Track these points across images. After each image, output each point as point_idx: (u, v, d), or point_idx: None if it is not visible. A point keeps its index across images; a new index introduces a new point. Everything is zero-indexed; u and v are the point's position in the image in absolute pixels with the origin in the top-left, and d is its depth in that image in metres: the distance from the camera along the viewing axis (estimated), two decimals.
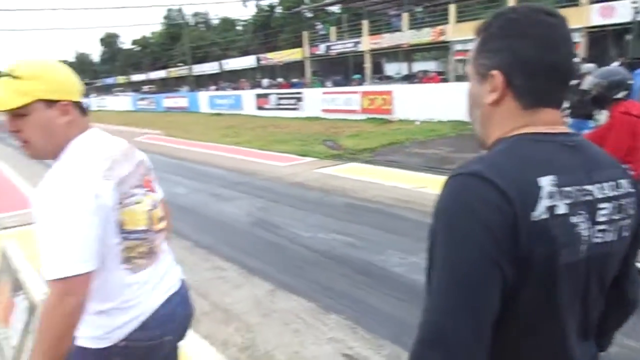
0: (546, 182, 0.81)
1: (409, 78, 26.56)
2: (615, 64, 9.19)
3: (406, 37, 25.24)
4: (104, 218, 1.33)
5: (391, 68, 31.33)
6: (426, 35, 24.28)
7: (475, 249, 0.77)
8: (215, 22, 75.54)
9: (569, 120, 6.52)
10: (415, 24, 25.74)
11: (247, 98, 25.33)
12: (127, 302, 1.46)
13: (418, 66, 31.37)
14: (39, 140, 1.34)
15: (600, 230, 0.86)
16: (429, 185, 7.20)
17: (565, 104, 5.68)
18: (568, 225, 0.82)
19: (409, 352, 0.82)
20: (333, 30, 31.30)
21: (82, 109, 1.43)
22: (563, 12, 0.89)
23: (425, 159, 9.78)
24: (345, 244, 5.13)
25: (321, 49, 30.61)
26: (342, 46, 29.17)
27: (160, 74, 54.15)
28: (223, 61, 43.36)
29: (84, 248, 1.27)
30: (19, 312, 2.72)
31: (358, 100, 18.52)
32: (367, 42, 27.20)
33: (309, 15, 37.92)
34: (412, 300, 3.71)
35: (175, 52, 62.86)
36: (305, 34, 31.76)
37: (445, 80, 21.62)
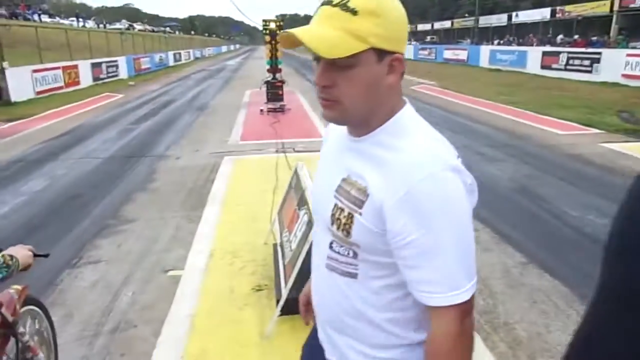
0: None
1: None
2: None
3: None
4: None
5: None
6: None
7: None
8: None
9: None
10: None
11: (533, 55, 23.24)
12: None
13: None
14: (357, 102, 0.95)
15: None
16: None
17: None
18: None
19: None
20: None
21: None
22: None
23: None
24: None
25: (637, 2, 25.56)
26: None
27: (445, 24, 53.84)
28: (513, 13, 40.33)
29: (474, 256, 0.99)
30: (301, 223, 3.25)
31: None
32: None
33: None
34: None
35: (463, 2, 61.28)
36: None
37: None
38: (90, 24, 56.49)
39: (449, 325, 0.94)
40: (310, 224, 3.01)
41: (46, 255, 1.90)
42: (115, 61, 24.71)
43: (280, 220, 3.99)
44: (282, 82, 12.09)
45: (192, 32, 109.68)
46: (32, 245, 1.87)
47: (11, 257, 1.59)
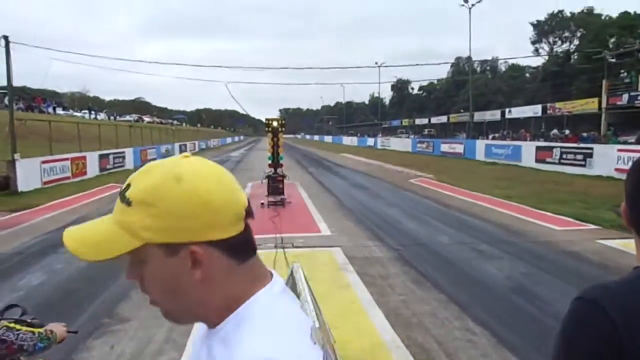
0: None
1: None
2: None
3: None
4: None
5: None
6: None
7: None
8: (503, 69, 74.35)
9: None
10: None
11: (527, 149, 23.98)
12: None
13: None
14: (165, 301, 0.79)
15: None
16: None
17: None
18: None
19: None
20: None
21: (245, 248, 0.79)
22: None
23: None
24: None
25: (623, 99, 26.85)
26: None
27: (442, 119, 56.06)
28: (506, 109, 42.14)
29: None
30: None
31: None
32: None
33: (612, 61, 33.79)
34: None
35: (459, 99, 64.24)
36: (605, 83, 28.39)
37: None
38: (101, 116, 58.93)
39: None
40: None
41: (76, 332, 2.11)
42: (123, 152, 25.52)
43: None
44: (283, 176, 12.43)
45: (199, 125, 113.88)
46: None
47: (51, 331, 1.80)
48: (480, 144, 29.73)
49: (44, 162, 16.73)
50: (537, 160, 22.50)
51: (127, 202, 0.75)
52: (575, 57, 50.57)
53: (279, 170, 12.45)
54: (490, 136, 37.31)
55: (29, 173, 15.41)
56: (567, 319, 0.98)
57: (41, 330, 1.77)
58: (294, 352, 0.74)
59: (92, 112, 57.16)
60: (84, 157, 20.34)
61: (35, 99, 47.97)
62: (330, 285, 5.92)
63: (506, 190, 14.60)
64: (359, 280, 6.15)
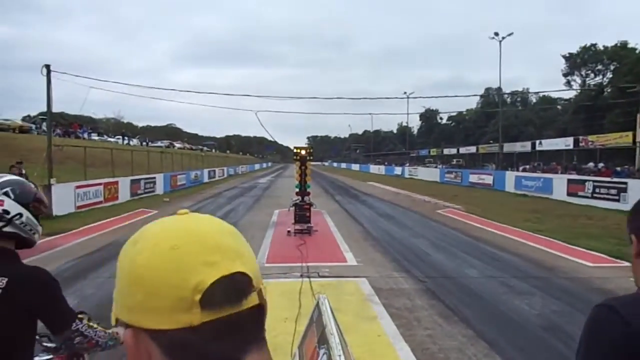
0: None
1: None
2: None
3: None
4: None
5: None
6: None
7: None
8: (533, 100, 73.69)
9: None
10: None
11: (558, 182, 23.49)
12: None
13: None
14: None
15: None
16: None
17: None
18: None
19: None
20: None
21: (192, 353, 0.57)
22: None
23: None
24: None
25: None
26: None
27: (471, 149, 55.53)
28: (536, 141, 41.55)
29: None
30: None
31: None
32: None
33: None
34: None
35: (488, 129, 63.71)
36: (639, 117, 27.79)
37: None
38: (134, 141, 60.56)
39: None
40: None
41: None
42: (154, 178, 26.11)
43: (300, 355, 3.97)
44: (310, 204, 12.49)
45: (228, 151, 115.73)
46: None
47: (117, 333, 1.89)
48: (510, 176, 29.27)
49: (78, 187, 17.25)
50: (568, 194, 21.99)
51: None
52: (609, 90, 49.77)
53: (306, 198, 12.54)
54: (521, 168, 36.71)
55: (63, 198, 15.89)
56: (587, 322, 1.16)
57: (110, 330, 1.93)
58: None
59: (126, 137, 58.87)
60: (116, 183, 20.88)
61: (72, 125, 49.77)
62: (356, 316, 5.88)
63: (536, 223, 14.30)
64: (385, 312, 6.08)
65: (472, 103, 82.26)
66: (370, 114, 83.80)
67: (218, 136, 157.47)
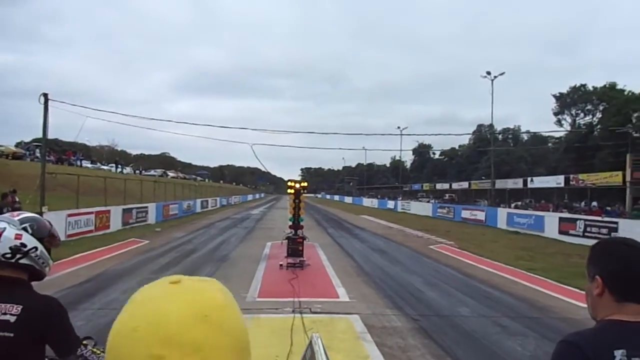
0: (619, 354, 1.27)
1: None
2: None
3: None
4: None
5: None
6: None
7: None
8: (525, 137, 74.78)
9: None
10: None
11: (550, 220, 23.63)
12: None
13: None
14: None
15: None
16: None
17: None
18: None
19: None
20: None
21: None
22: None
23: None
24: None
25: None
26: None
27: (463, 184, 55.91)
28: (528, 178, 41.96)
29: None
30: None
31: None
32: None
33: (636, 135, 33.76)
34: None
35: (480, 165, 64.35)
36: (629, 157, 28.25)
37: None
38: (127, 170, 60.50)
39: None
40: None
41: None
42: (146, 207, 25.98)
43: None
44: (303, 238, 12.46)
45: (221, 181, 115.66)
46: None
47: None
48: (502, 212, 29.42)
49: (69, 215, 17.12)
50: (560, 232, 22.10)
51: None
52: (598, 129, 50.72)
53: (299, 232, 12.51)
54: (513, 204, 36.93)
55: (55, 226, 15.67)
56: (553, 356, 1.36)
57: None
58: None
59: (119, 165, 58.80)
60: (108, 211, 20.75)
61: (66, 153, 49.73)
62: (348, 355, 5.81)
63: (529, 261, 14.31)
64: (378, 351, 6.02)
65: (465, 139, 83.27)
66: (364, 148, 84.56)
67: (212, 166, 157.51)
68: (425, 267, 13.41)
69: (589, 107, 58.21)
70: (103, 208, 20.57)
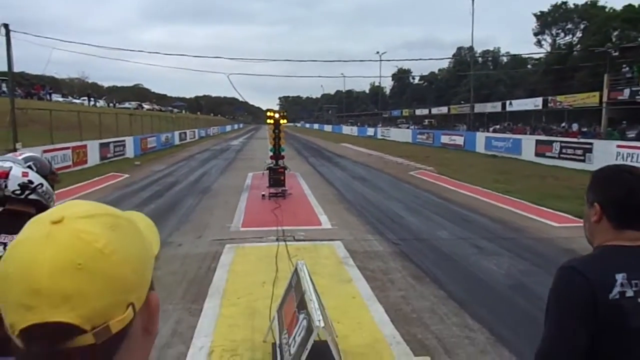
0: (620, 277, 1.32)
1: None
2: None
3: None
4: None
5: None
6: None
7: (567, 316, 1.35)
8: (504, 60, 74.15)
9: None
10: None
11: (527, 143, 24.06)
12: None
13: None
14: None
15: None
16: None
17: None
18: (635, 303, 1.31)
19: None
20: None
21: None
22: None
23: None
24: None
25: (625, 94, 26.82)
26: None
27: (442, 109, 55.92)
28: (507, 101, 42.09)
29: None
30: (300, 327, 3.35)
31: None
32: None
33: (615, 55, 33.72)
34: None
35: (460, 89, 64.08)
36: (607, 77, 28.34)
37: None
38: (101, 103, 58.74)
39: None
40: (309, 329, 3.11)
41: None
42: (123, 141, 25.54)
43: (280, 318, 4.08)
44: (285, 168, 12.49)
45: (198, 112, 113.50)
46: None
47: None
48: (481, 137, 29.77)
49: (45, 151, 16.72)
50: (536, 154, 22.58)
51: None
52: (578, 49, 50.42)
53: (280, 162, 12.51)
54: (491, 128, 37.29)
55: (30, 152, 15.41)
56: (554, 282, 1.39)
57: None
58: None
59: (92, 99, 57.00)
60: (85, 146, 20.36)
61: (34, 86, 47.79)
62: (332, 279, 6.03)
63: (505, 184, 14.68)
64: (360, 274, 6.25)
65: (445, 63, 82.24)
66: (342, 75, 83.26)
67: (187, 97, 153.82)
68: (405, 193, 13.67)
69: (569, 26, 57.47)
70: (79, 143, 20.15)
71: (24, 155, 2.14)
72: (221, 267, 6.48)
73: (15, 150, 14.89)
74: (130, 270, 0.58)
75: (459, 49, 76.67)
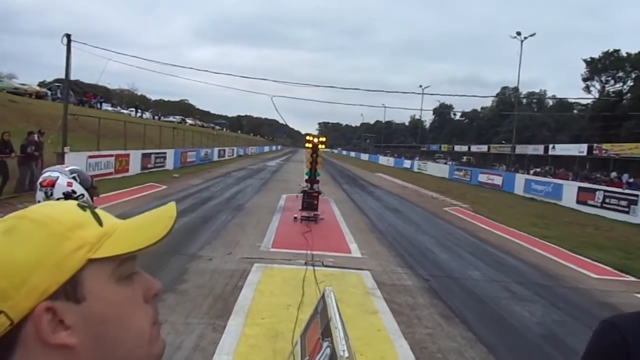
0: None
1: None
2: None
3: None
4: None
5: None
6: None
7: None
8: (550, 103, 72.93)
9: None
10: None
11: (568, 189, 23.35)
12: None
13: None
14: None
15: None
16: None
17: None
18: None
19: None
20: None
21: None
22: None
23: None
24: None
25: None
26: None
27: (482, 148, 55.23)
28: (549, 145, 41.20)
29: None
30: (323, 355, 3.29)
31: None
32: None
33: None
34: None
35: (501, 129, 63.20)
36: None
37: None
38: (147, 115, 60.77)
39: None
40: (333, 359, 3.06)
41: None
42: (164, 153, 26.25)
43: (302, 344, 4.03)
44: (319, 193, 12.53)
45: (239, 131, 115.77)
46: None
47: None
48: (520, 178, 29.11)
49: (90, 156, 17.39)
50: (578, 202, 21.86)
51: None
52: (628, 98, 49.13)
53: (315, 186, 12.57)
54: (532, 171, 36.48)
55: (75, 166, 16.02)
56: (592, 335, 1.32)
57: None
58: None
59: (139, 110, 59.03)
60: (128, 155, 21.02)
61: (86, 94, 49.95)
62: (358, 309, 5.94)
63: (543, 229, 14.26)
64: (387, 307, 6.13)
65: (488, 101, 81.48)
66: (383, 106, 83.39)
67: (230, 115, 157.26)
68: (438, 228, 13.45)
69: (620, 74, 56.15)
70: (123, 151, 20.83)
71: (70, 168, 2.35)
72: (248, 286, 6.49)
73: (63, 152, 15.53)
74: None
75: (504, 88, 76.07)
